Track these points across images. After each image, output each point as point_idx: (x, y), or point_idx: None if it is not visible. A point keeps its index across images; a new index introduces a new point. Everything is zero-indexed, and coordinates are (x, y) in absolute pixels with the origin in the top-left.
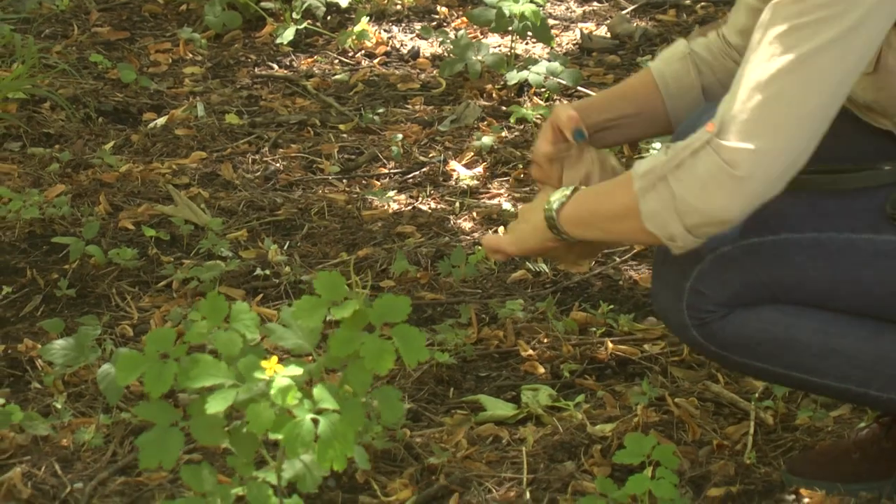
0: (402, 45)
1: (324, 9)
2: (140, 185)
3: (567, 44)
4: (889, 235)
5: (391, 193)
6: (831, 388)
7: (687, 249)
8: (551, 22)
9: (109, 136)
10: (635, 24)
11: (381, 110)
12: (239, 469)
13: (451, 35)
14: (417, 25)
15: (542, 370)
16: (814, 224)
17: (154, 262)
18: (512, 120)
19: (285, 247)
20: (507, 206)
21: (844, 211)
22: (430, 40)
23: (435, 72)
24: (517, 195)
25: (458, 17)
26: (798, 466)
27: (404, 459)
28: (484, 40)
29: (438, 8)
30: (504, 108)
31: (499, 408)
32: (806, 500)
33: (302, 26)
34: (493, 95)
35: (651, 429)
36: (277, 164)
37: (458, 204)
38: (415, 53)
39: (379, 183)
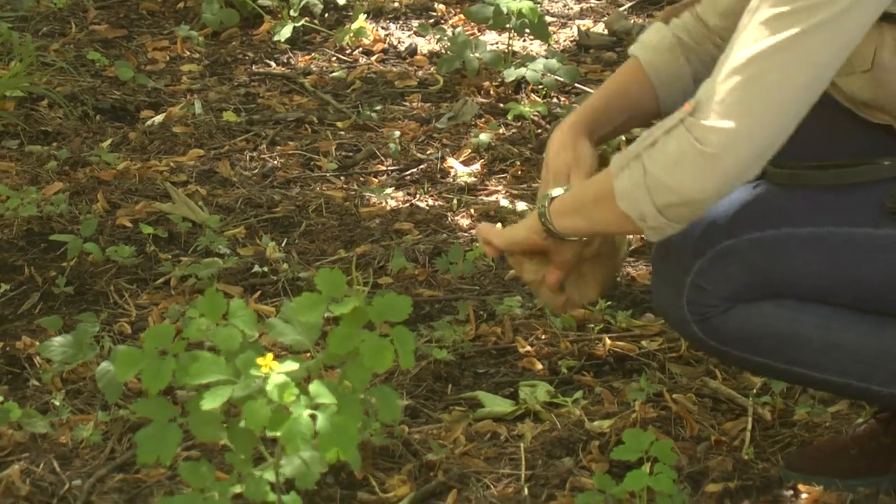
0: (399, 42)
1: (321, 6)
2: (138, 182)
3: (564, 41)
4: (889, 230)
5: (389, 190)
6: (832, 383)
7: (661, 236)
8: (549, 19)
9: (107, 133)
10: (632, 21)
11: (378, 107)
12: (237, 465)
13: (449, 32)
14: (415, 23)
15: (539, 366)
16: (814, 218)
17: (152, 259)
18: (509, 117)
19: (283, 244)
20: (504, 202)
21: (844, 205)
22: (427, 37)
23: (432, 69)
24: (515, 192)
25: (455, 15)
26: (796, 462)
27: (402, 456)
28: (481, 37)
29: (436, 5)
30: (502, 105)
31: (497, 404)
32: (804, 495)
33: (299, 24)
34: (491, 92)
35: (649, 425)
36: (275, 162)
37: (455, 201)
38: (412, 51)
39: (377, 180)
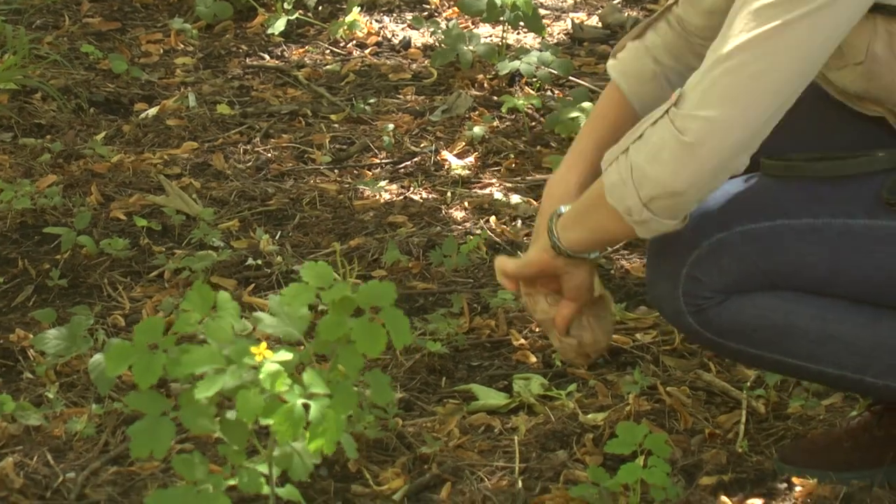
0: (393, 35)
1: None
2: (131, 175)
3: (558, 33)
4: (885, 221)
5: (382, 183)
6: (827, 375)
7: (651, 232)
8: (542, 12)
9: (101, 126)
10: (626, 14)
11: (372, 100)
12: (231, 458)
13: (443, 25)
14: (409, 15)
15: (533, 359)
16: (810, 210)
17: (146, 252)
18: (503, 110)
19: (277, 237)
20: (498, 195)
21: (840, 197)
22: (421, 30)
23: (426, 62)
24: (508, 185)
25: (449, 7)
26: (790, 455)
27: (396, 449)
28: (475, 30)
29: None
30: (495, 97)
31: (491, 397)
32: (798, 488)
33: (293, 17)
34: (485, 85)
35: (643, 418)
36: (269, 154)
37: (449, 194)
38: (406, 43)
39: (370, 173)
